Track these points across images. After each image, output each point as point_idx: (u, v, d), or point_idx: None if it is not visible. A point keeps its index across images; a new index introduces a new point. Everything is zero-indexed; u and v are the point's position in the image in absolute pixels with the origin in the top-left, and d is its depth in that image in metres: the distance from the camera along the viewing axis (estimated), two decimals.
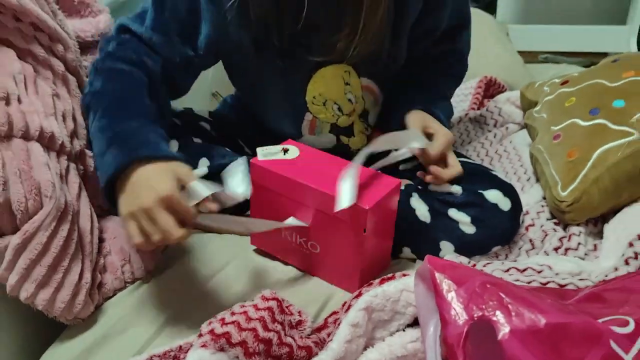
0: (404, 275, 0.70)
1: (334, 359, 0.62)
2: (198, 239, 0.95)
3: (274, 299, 0.67)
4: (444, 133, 0.88)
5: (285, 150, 0.84)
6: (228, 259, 0.89)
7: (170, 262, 0.90)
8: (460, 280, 0.58)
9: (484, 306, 0.55)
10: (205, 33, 0.88)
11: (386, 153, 0.86)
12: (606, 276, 0.75)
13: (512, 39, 1.79)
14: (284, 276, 0.85)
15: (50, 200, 0.75)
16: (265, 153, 0.83)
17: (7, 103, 0.74)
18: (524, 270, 0.78)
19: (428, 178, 0.89)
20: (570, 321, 0.53)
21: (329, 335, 0.69)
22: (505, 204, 0.87)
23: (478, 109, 1.33)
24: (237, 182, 0.73)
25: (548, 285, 0.73)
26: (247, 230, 0.88)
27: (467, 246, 0.86)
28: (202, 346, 0.60)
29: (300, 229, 0.81)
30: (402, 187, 0.90)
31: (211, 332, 0.61)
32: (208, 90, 1.59)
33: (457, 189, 0.88)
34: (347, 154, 1.01)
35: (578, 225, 0.91)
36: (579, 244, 0.87)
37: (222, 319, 0.63)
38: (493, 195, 0.87)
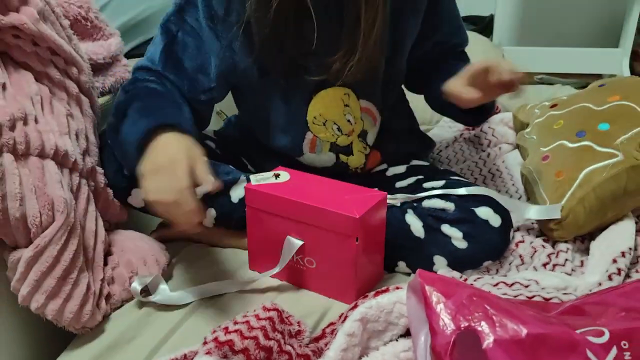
0: (398, 288, 0.74)
1: None
2: (200, 253, 1.00)
3: (274, 309, 0.71)
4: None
5: (277, 175, 0.90)
6: (229, 273, 0.94)
7: (173, 275, 0.94)
8: (448, 293, 0.62)
9: (470, 317, 0.59)
10: (215, 64, 0.94)
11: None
12: (590, 291, 0.79)
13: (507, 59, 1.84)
14: (283, 289, 0.89)
15: (62, 215, 0.79)
16: (258, 179, 0.89)
17: (25, 123, 0.79)
18: (512, 284, 0.82)
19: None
20: (549, 331, 0.57)
21: (326, 344, 0.73)
22: (495, 220, 0.91)
23: (473, 129, 1.38)
24: None
25: (534, 299, 0.77)
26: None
27: (460, 261, 0.90)
28: (207, 353, 0.63)
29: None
30: (398, 204, 0.95)
31: (215, 340, 0.65)
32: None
33: (449, 206, 0.92)
34: (346, 171, 1.06)
35: (566, 242, 0.95)
36: (566, 260, 0.91)
37: (226, 328, 0.67)
38: (484, 212, 0.91)
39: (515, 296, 0.77)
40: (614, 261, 0.84)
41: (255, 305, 0.75)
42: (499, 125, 1.30)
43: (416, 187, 1.00)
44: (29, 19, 0.81)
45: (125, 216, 1.00)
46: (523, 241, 0.97)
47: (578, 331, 0.58)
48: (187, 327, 0.81)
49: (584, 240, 0.97)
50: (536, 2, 2.35)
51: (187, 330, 0.80)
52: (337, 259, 0.83)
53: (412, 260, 0.92)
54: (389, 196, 0.89)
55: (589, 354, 0.56)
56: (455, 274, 0.88)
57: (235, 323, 0.68)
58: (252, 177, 0.90)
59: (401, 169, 1.08)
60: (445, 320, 0.60)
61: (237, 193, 0.98)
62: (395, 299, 0.71)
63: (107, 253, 0.90)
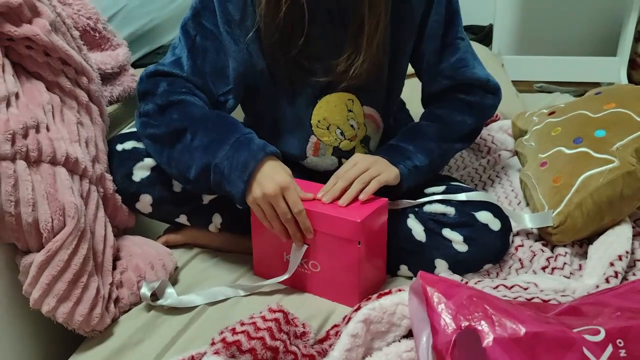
0: (400, 290, 0.76)
1: None
2: (205, 258, 1.02)
3: (280, 311, 0.73)
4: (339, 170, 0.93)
5: None
6: (235, 277, 0.96)
7: (180, 279, 0.96)
8: (449, 294, 0.64)
9: (470, 317, 0.61)
10: (233, 67, 0.97)
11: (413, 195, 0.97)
12: (588, 293, 0.81)
13: (507, 69, 1.87)
14: (287, 292, 0.91)
15: (73, 221, 0.81)
16: None
17: (37, 131, 0.81)
18: (512, 287, 0.84)
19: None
20: (546, 330, 0.59)
21: (330, 346, 0.74)
22: (495, 224, 0.93)
23: None
24: None
25: (533, 301, 0.78)
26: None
27: (460, 264, 0.92)
28: (215, 353, 0.65)
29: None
30: (399, 209, 0.97)
31: (223, 340, 0.67)
32: None
33: (450, 210, 0.94)
34: None
35: (564, 246, 0.97)
36: (565, 263, 0.93)
37: (233, 329, 0.69)
38: (484, 216, 0.93)
39: (514, 298, 0.79)
40: (611, 264, 0.86)
41: (260, 308, 0.77)
42: (498, 132, 1.32)
43: (417, 193, 1.02)
44: (41, 30, 0.84)
45: (133, 222, 1.02)
46: (522, 245, 0.99)
47: (575, 330, 0.60)
48: (194, 329, 0.83)
49: (582, 244, 0.99)
50: (535, 12, 2.38)
51: (194, 332, 0.82)
52: (341, 263, 0.85)
53: (414, 263, 0.94)
54: (390, 202, 0.91)
55: (586, 351, 0.58)
56: (456, 277, 0.90)
57: (242, 324, 0.70)
58: None
59: None
60: (446, 320, 0.62)
61: None
62: (398, 300, 0.73)
63: (116, 258, 0.92)
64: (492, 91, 1.06)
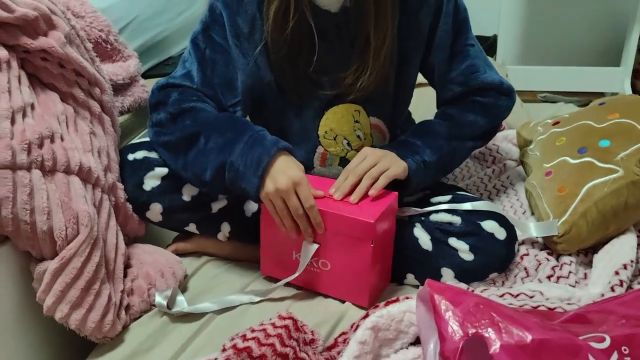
0: (407, 298, 0.77)
1: None
2: (214, 266, 1.03)
3: (289, 318, 0.74)
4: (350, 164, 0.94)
5: None
6: (244, 284, 0.97)
7: (189, 287, 0.97)
8: (456, 301, 0.65)
9: (477, 324, 0.62)
10: (241, 79, 0.99)
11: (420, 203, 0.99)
12: (593, 301, 0.82)
13: (511, 79, 1.88)
14: (296, 299, 0.92)
15: (86, 229, 0.83)
16: None
17: (52, 141, 0.83)
18: (517, 295, 0.85)
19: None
20: (552, 337, 0.60)
21: (339, 353, 0.76)
22: (500, 233, 0.94)
23: None
24: None
25: (538, 309, 0.79)
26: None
27: (466, 273, 0.93)
28: (226, 359, 0.67)
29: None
30: (406, 218, 0.98)
31: (234, 347, 0.68)
32: None
33: (456, 219, 0.96)
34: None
35: (569, 255, 0.98)
36: (570, 272, 0.94)
37: (244, 335, 0.70)
38: (490, 226, 0.94)
39: (520, 306, 0.80)
40: (616, 273, 0.87)
41: (270, 314, 0.78)
42: (503, 142, 1.34)
43: (423, 202, 1.03)
44: (56, 42, 0.86)
45: (143, 230, 1.03)
46: (528, 254, 1.00)
47: (581, 337, 0.61)
48: (204, 336, 0.84)
49: (587, 253, 1.00)
50: (539, 22, 2.40)
51: (204, 339, 0.83)
52: (352, 261, 0.87)
53: (421, 272, 0.95)
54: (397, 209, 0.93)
55: (591, 358, 0.59)
56: (462, 286, 0.91)
57: (253, 331, 0.71)
58: None
59: None
60: (454, 327, 0.63)
61: (250, 207, 1.02)
62: (405, 308, 0.74)
63: (127, 266, 0.94)
64: (506, 93, 1.06)
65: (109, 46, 1.11)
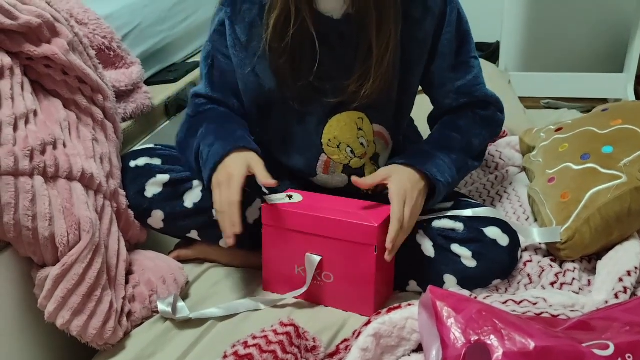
0: (409, 305, 0.77)
1: None
2: (216, 273, 1.03)
3: (291, 325, 0.74)
4: (395, 193, 0.89)
5: (290, 197, 0.95)
6: (246, 291, 0.97)
7: (191, 294, 0.97)
8: (458, 308, 0.65)
9: (479, 331, 0.62)
10: (241, 88, 1.02)
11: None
12: (597, 309, 0.81)
13: (514, 85, 1.88)
14: (298, 306, 0.92)
15: (88, 235, 0.83)
16: (272, 199, 0.94)
17: (55, 147, 0.84)
18: (521, 302, 0.84)
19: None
20: (556, 344, 0.59)
21: None
22: (503, 240, 0.94)
23: None
24: None
25: (542, 316, 0.79)
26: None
27: (469, 279, 0.93)
28: None
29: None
30: None
31: (235, 353, 0.68)
32: None
33: (459, 226, 0.95)
34: (357, 192, 1.09)
35: (573, 261, 0.97)
36: (574, 279, 0.93)
37: (245, 342, 0.70)
38: (492, 232, 0.94)
39: (523, 313, 0.80)
40: (620, 280, 0.86)
41: (271, 321, 0.78)
42: (506, 148, 1.33)
43: (426, 209, 1.03)
44: (59, 49, 0.87)
45: (145, 237, 1.03)
46: (531, 261, 0.99)
47: (584, 344, 0.60)
48: (205, 343, 0.84)
49: (590, 259, 1.00)
50: (542, 29, 2.40)
51: (205, 346, 0.83)
52: (356, 271, 0.87)
53: (423, 279, 0.95)
54: None
55: None
56: (465, 293, 0.91)
57: (254, 338, 0.71)
58: (266, 197, 0.94)
59: None
60: (456, 334, 0.63)
61: (252, 214, 1.02)
62: (408, 315, 0.74)
63: (128, 272, 0.94)
64: (501, 109, 1.08)
65: (112, 53, 1.12)
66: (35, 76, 0.88)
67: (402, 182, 0.90)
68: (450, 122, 1.06)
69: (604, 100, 2.12)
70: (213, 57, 1.03)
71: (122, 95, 1.12)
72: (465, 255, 0.93)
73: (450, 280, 0.94)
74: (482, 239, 0.94)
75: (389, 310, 0.77)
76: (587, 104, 1.99)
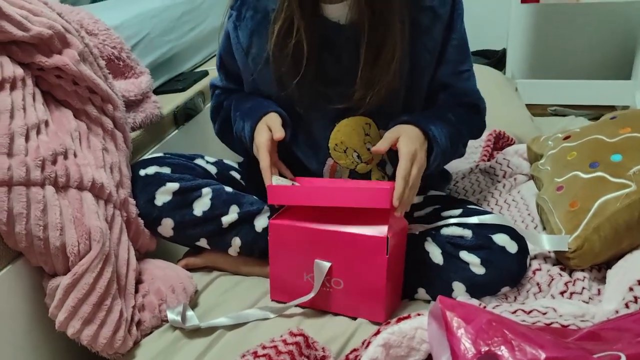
0: (419, 314, 0.77)
1: None
2: (225, 281, 1.03)
3: (300, 334, 0.74)
4: (405, 152, 0.89)
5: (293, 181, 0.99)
6: (255, 299, 0.97)
7: (200, 302, 0.97)
8: (468, 318, 0.64)
9: (490, 341, 0.62)
10: (247, 89, 1.08)
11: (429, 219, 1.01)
12: (607, 318, 0.81)
13: (521, 92, 1.88)
14: (307, 315, 0.92)
15: (98, 244, 0.83)
16: (279, 181, 0.95)
17: (65, 157, 0.84)
18: (530, 311, 0.84)
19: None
20: (566, 355, 0.59)
21: None
22: (512, 247, 0.94)
23: (488, 160, 1.41)
24: None
25: (552, 326, 0.79)
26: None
27: (478, 287, 0.93)
28: None
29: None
30: (416, 232, 0.98)
31: None
32: None
33: (467, 233, 0.95)
34: None
35: (582, 270, 0.97)
36: (584, 288, 0.93)
37: (255, 352, 0.70)
38: (501, 239, 0.94)
39: (533, 323, 0.80)
40: (631, 289, 0.86)
41: (281, 331, 0.78)
42: (514, 156, 1.33)
43: (434, 216, 1.03)
44: (70, 60, 0.88)
45: (154, 245, 1.04)
46: (540, 269, 0.99)
47: (595, 355, 0.60)
48: (215, 352, 0.84)
49: (600, 268, 0.99)
50: (548, 36, 2.40)
51: (215, 355, 0.83)
52: (367, 277, 0.86)
53: (432, 286, 0.95)
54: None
55: None
56: (474, 302, 0.91)
57: (264, 348, 0.71)
58: (273, 178, 0.95)
59: (419, 198, 1.12)
60: (466, 345, 0.62)
61: (261, 223, 1.02)
62: (417, 324, 0.74)
63: (138, 281, 0.94)
64: (484, 116, 1.13)
65: (121, 63, 1.13)
66: (46, 86, 0.89)
67: (411, 141, 0.91)
68: (444, 109, 1.06)
69: (611, 108, 2.11)
70: (222, 56, 1.10)
71: (132, 104, 1.13)
72: (473, 262, 0.93)
73: (458, 288, 0.93)
74: (490, 246, 0.94)
75: (398, 320, 0.76)
76: (594, 111, 1.99)
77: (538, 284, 0.96)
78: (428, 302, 0.96)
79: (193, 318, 0.89)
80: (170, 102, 1.31)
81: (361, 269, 0.86)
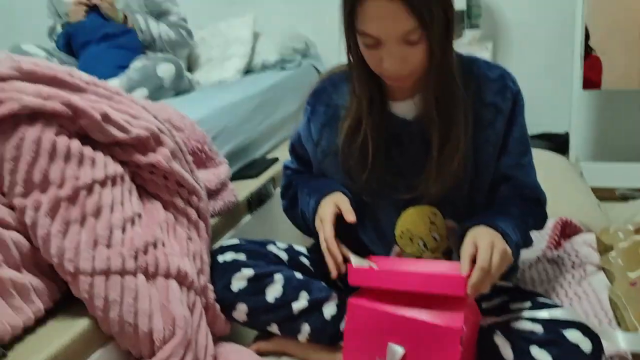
0: None
1: None
2: None
3: None
4: (482, 260, 0.87)
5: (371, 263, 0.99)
6: None
7: None
8: None
9: None
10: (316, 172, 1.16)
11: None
12: None
13: (586, 175, 1.86)
14: None
15: (181, 331, 0.88)
16: (358, 263, 0.97)
17: (155, 247, 0.91)
18: None
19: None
20: None
21: None
22: (586, 345, 0.91)
23: (555, 249, 1.39)
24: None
25: None
26: None
27: None
28: None
29: None
30: (485, 325, 0.98)
31: None
32: None
33: (538, 328, 0.94)
34: None
35: None
36: None
37: None
38: (573, 335, 0.91)
39: None
40: None
41: None
42: (583, 246, 1.31)
43: (502, 308, 1.02)
44: (163, 158, 0.96)
45: (229, 329, 1.08)
46: None
47: None
48: None
49: None
50: (611, 117, 2.38)
51: None
52: None
53: None
54: None
55: None
56: None
57: None
58: (352, 257, 0.98)
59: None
60: None
61: (329, 310, 1.05)
62: None
63: None
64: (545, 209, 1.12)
65: (204, 155, 1.22)
66: (140, 181, 0.98)
67: (487, 234, 0.91)
68: (506, 203, 1.07)
69: None
70: (294, 144, 1.19)
71: (211, 194, 1.20)
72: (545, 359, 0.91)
73: None
74: (562, 343, 0.91)
75: None
76: None
77: None
78: None
79: None
80: (244, 189, 1.38)
81: (434, 356, 0.87)
